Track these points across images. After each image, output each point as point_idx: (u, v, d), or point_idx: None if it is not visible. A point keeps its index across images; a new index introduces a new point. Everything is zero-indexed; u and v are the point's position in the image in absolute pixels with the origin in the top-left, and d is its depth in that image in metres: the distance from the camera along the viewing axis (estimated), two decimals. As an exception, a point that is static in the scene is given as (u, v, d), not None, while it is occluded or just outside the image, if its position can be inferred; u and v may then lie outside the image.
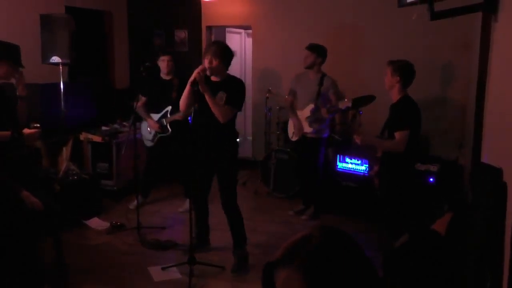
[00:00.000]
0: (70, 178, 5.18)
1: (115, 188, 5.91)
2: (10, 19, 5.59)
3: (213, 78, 3.98)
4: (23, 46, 4.88)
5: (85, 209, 5.22)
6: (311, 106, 5.13)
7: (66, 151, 5.57)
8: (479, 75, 4.26)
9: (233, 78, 4.12)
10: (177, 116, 5.24)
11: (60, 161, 5.64)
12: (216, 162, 4.15)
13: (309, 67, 5.17)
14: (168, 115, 5.36)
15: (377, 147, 4.21)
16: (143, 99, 5.38)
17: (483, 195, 2.48)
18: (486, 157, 3.07)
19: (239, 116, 4.90)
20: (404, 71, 3.91)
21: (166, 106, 5.37)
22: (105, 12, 7.54)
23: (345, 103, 4.57)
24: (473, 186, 3.70)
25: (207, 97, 3.81)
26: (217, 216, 4.71)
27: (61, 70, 5.30)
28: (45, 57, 5.25)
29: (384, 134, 4.08)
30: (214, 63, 3.87)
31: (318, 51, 5.16)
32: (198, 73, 3.71)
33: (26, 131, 3.64)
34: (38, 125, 3.72)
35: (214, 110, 3.85)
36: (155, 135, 5.44)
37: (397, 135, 3.87)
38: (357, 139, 4.04)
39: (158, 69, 5.39)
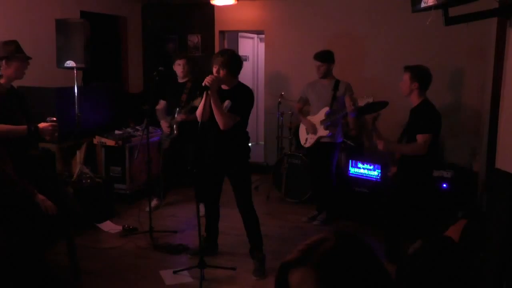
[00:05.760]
0: (84, 181, 5.22)
1: (128, 191, 5.94)
2: (26, 23, 5.66)
3: (222, 87, 4.01)
4: (39, 50, 4.95)
5: (98, 212, 5.25)
6: (326, 109, 5.10)
7: (80, 155, 5.61)
8: (493, 80, 4.24)
9: (243, 86, 4.12)
10: (179, 117, 5.29)
11: (74, 164, 5.68)
12: (228, 166, 4.16)
13: (324, 77, 5.15)
14: (176, 116, 5.41)
15: (399, 152, 4.19)
16: (162, 102, 5.50)
17: (498, 201, 2.46)
18: (501, 163, 3.05)
19: (252, 121, 4.91)
20: (423, 76, 3.91)
21: (176, 108, 5.43)
22: (120, 17, 7.61)
23: (365, 100, 4.56)
24: (488, 192, 3.67)
25: (212, 102, 3.82)
26: (229, 220, 4.72)
27: (75, 74, 5.35)
28: (60, 62, 5.30)
29: (403, 138, 4.07)
30: (222, 73, 3.91)
31: (329, 58, 5.13)
32: (211, 80, 3.75)
33: (42, 125, 3.68)
34: (55, 118, 3.75)
35: (216, 115, 3.87)
36: (166, 137, 5.51)
37: (419, 137, 3.85)
38: (380, 145, 4.03)
39: (173, 74, 5.48)
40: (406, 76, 3.93)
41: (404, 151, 4.09)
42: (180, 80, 5.49)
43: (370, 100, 4.51)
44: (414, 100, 3.97)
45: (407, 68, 3.96)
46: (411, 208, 4.10)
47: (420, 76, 3.90)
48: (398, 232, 4.20)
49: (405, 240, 3.94)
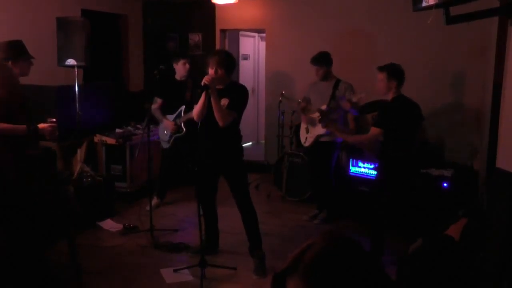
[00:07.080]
0: (84, 180, 5.22)
1: (128, 190, 5.94)
2: (27, 22, 5.66)
3: (216, 86, 4.02)
4: (40, 48, 4.93)
5: (99, 210, 5.25)
6: (323, 107, 5.10)
7: (80, 153, 5.60)
8: (494, 80, 4.24)
9: (236, 84, 4.22)
10: (191, 115, 5.28)
11: (74, 163, 5.68)
12: (223, 166, 4.19)
13: (324, 79, 5.16)
14: (182, 114, 5.40)
15: (356, 144, 4.86)
16: (159, 101, 5.46)
17: (498, 200, 2.46)
18: (502, 163, 3.04)
19: (252, 120, 4.92)
20: (399, 74, 4.07)
21: (179, 106, 5.42)
22: (120, 15, 7.60)
23: (358, 95, 4.74)
24: (488, 191, 3.67)
25: (213, 100, 3.87)
26: (228, 219, 4.72)
27: (76, 72, 5.34)
28: (61, 60, 5.30)
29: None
30: (219, 72, 3.97)
31: (325, 62, 5.14)
32: (210, 79, 3.82)
33: (41, 125, 3.67)
34: (54, 120, 3.74)
35: (216, 113, 3.91)
36: (171, 136, 5.50)
37: (371, 129, 4.13)
38: (322, 124, 4.69)
39: (172, 72, 5.47)
40: (383, 76, 4.06)
41: (346, 138, 4.60)
42: (179, 79, 5.49)
43: (363, 95, 4.67)
44: (391, 96, 4.13)
45: (383, 68, 4.09)
46: (386, 204, 4.21)
47: (397, 74, 4.05)
48: (382, 229, 4.29)
49: (405, 239, 3.95)
